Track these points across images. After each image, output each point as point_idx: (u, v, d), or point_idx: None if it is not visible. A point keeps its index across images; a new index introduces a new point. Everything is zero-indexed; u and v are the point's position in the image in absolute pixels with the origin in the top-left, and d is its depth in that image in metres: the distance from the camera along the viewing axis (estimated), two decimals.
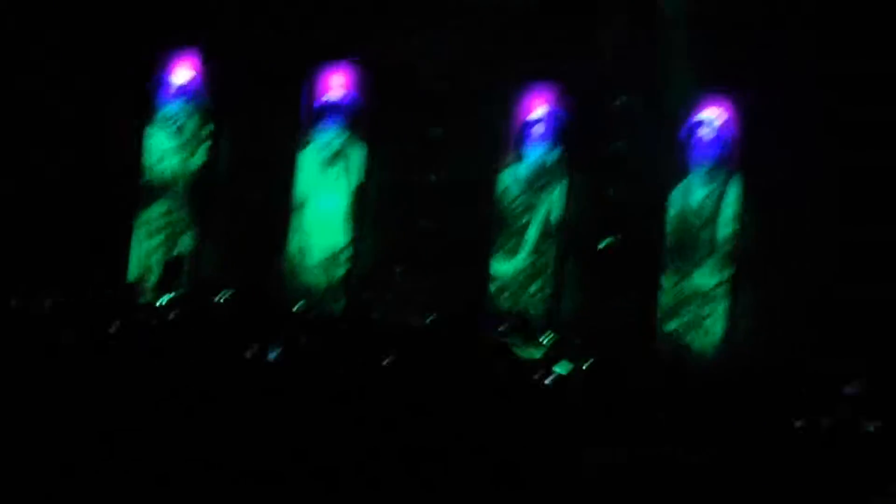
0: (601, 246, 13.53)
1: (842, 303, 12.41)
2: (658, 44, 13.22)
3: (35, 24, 13.54)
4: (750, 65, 12.94)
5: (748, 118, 13.36)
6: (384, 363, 9.20)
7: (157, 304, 11.88)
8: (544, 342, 12.34)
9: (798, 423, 9.10)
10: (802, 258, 12.76)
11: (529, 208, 13.81)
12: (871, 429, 9.21)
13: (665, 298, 13.36)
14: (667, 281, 13.40)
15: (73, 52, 13.55)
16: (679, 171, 13.54)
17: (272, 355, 8.76)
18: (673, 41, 13.21)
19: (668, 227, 13.46)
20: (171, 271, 13.04)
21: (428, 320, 12.28)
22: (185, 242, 13.96)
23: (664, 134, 13.52)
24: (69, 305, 10.14)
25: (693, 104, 13.54)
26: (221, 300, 12.51)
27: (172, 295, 12.52)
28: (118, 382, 7.85)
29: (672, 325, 13.32)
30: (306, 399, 8.00)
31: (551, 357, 11.53)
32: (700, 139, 13.55)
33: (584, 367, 11.05)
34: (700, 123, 13.55)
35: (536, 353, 11.88)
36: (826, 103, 12.54)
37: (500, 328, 12.37)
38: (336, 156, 14.04)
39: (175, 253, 13.51)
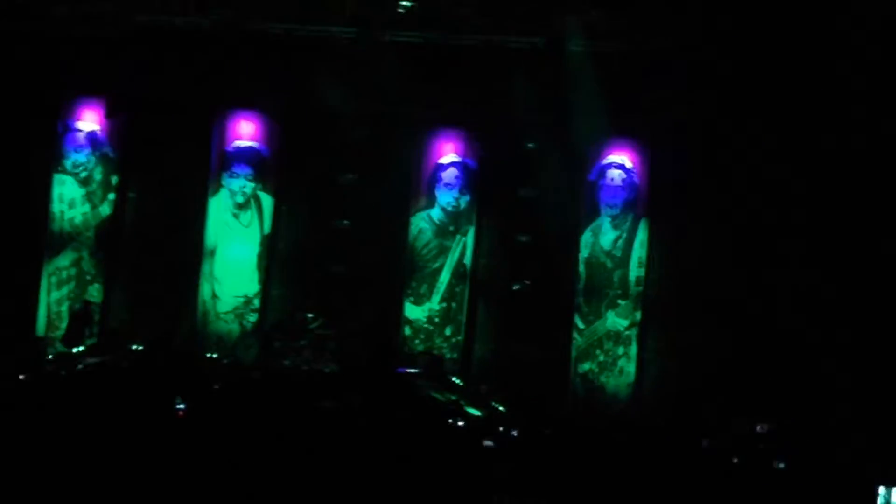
0: (514, 289, 13.62)
1: (747, 345, 12.62)
2: (566, 92, 13.38)
3: None
4: (655, 114, 13.19)
5: (653, 165, 13.57)
6: (294, 410, 9.16)
7: (66, 353, 11.77)
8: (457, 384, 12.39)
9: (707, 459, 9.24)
10: (706, 301, 12.96)
11: (442, 253, 13.86)
12: (781, 466, 9.38)
13: (579, 339, 13.46)
14: (580, 322, 13.51)
15: None
16: (589, 214, 13.69)
17: (181, 405, 8.67)
18: (581, 90, 13.39)
19: (581, 269, 13.58)
20: (80, 321, 12.86)
21: (338, 367, 12.31)
22: (94, 292, 13.78)
23: (573, 178, 13.67)
24: None
25: (601, 149, 13.71)
26: (132, 350, 12.41)
27: (82, 346, 12.41)
28: (28, 433, 7.75)
29: (586, 366, 13.42)
30: (218, 445, 7.94)
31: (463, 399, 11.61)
32: (608, 183, 13.72)
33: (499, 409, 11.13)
34: (608, 167, 13.72)
35: (451, 397, 11.92)
36: (723, 158, 12.81)
37: (415, 372, 12.38)
38: (246, 203, 13.99)
39: (82, 302, 13.30)
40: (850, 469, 8.98)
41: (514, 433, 10.11)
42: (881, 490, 8.56)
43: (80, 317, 13.06)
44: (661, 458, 8.66)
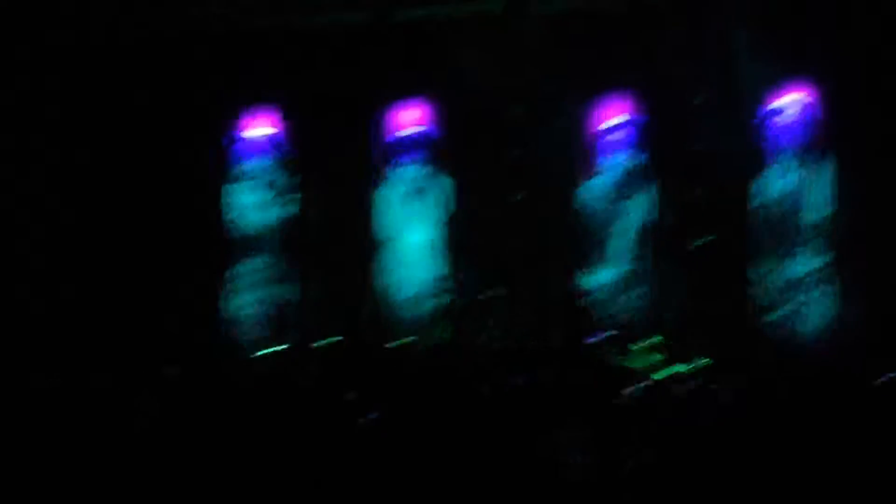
0: (694, 247, 13.44)
1: None
2: (729, 37, 13.13)
3: (118, 83, 13.81)
4: (828, 46, 12.81)
5: (830, 101, 13.19)
6: (497, 390, 9.24)
7: (263, 358, 12.07)
8: (648, 350, 12.27)
9: None
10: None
11: (617, 216, 13.75)
12: None
13: (767, 288, 13.21)
14: (766, 271, 13.25)
15: (156, 110, 13.81)
16: (763, 160, 13.40)
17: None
18: (744, 33, 13.11)
19: (759, 218, 13.31)
20: (272, 327, 13.15)
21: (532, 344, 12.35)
22: (281, 295, 14.12)
23: (745, 125, 13.40)
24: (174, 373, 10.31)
25: (772, 90, 13.40)
26: (328, 349, 12.66)
27: (279, 349, 12.72)
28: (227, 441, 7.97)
29: (773, 316, 13.16)
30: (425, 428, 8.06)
31: (658, 365, 11.49)
32: (782, 124, 13.40)
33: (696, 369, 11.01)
34: (781, 109, 13.40)
35: (642, 363, 11.82)
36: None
37: (605, 342, 12.33)
38: (420, 188, 14.13)
39: (273, 308, 13.63)
40: None
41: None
42: None
43: (272, 323, 13.26)
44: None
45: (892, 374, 9.73)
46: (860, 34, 12.70)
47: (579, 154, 13.81)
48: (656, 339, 12.58)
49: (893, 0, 12.40)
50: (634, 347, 12.41)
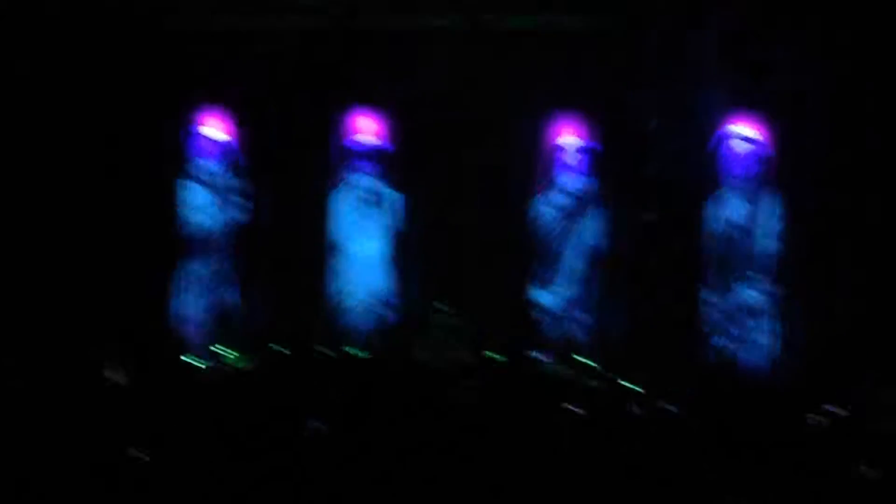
0: (641, 266, 13.57)
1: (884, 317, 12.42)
2: (686, 66, 13.29)
3: (72, 74, 13.69)
4: (778, 83, 13.02)
5: (780, 134, 13.38)
6: (433, 406, 9.25)
7: (208, 360, 11.99)
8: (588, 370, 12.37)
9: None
10: (841, 271, 12.76)
11: (567, 235, 13.84)
12: None
13: (710, 315, 13.36)
14: (711, 297, 13.41)
15: (108, 102, 13.70)
16: (713, 185, 13.57)
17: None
18: (702, 63, 13.28)
19: (709, 243, 13.47)
20: (216, 326, 13.08)
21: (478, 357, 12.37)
22: (229, 296, 14.06)
23: (694, 152, 13.55)
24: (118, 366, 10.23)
25: (724, 119, 13.57)
26: (271, 353, 12.61)
27: (224, 351, 12.63)
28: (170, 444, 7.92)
29: (719, 342, 13.31)
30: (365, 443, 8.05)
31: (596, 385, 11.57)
32: (732, 152, 13.56)
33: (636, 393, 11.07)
34: (731, 136, 13.57)
35: (589, 382, 11.90)
36: (849, 124, 12.58)
37: (549, 359, 12.41)
38: (371, 199, 14.13)
39: (218, 307, 13.55)
40: None
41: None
42: None
43: (216, 322, 13.24)
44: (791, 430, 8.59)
45: (821, 415, 9.87)
46: (813, 68, 12.91)
47: (533, 171, 13.90)
48: (593, 363, 12.68)
49: (849, 36, 12.59)
50: (575, 366, 12.50)
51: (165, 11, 13.90)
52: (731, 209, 13.48)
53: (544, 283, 13.70)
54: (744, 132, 13.49)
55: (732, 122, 13.54)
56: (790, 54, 12.82)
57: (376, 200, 14.15)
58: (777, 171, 13.40)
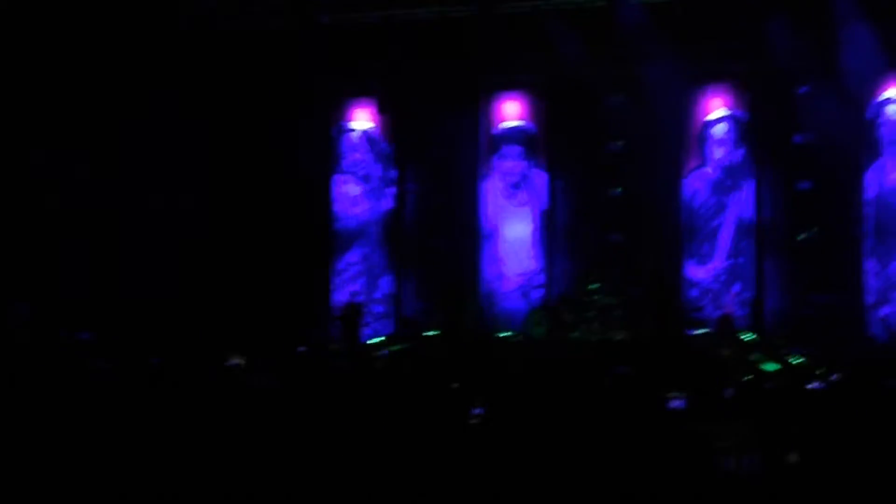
0: (799, 239, 13.28)
1: None
2: (835, 30, 12.95)
3: (223, 80, 13.97)
4: None
5: None
6: (594, 379, 9.18)
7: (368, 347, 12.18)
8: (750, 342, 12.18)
9: None
10: None
11: (720, 209, 13.65)
12: None
13: (874, 283, 13.02)
14: (872, 266, 13.06)
15: (259, 102, 13.94)
16: (870, 154, 13.21)
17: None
18: (850, 24, 12.91)
19: (868, 211, 13.12)
20: (349, 320, 13.20)
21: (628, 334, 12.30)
22: (384, 284, 14.26)
23: (850, 119, 13.19)
24: (275, 355, 10.42)
25: (877, 86, 13.19)
26: (428, 338, 12.75)
27: (383, 338, 12.84)
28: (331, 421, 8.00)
29: (884, 311, 12.97)
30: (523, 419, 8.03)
31: (761, 360, 11.37)
32: (888, 119, 13.19)
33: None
34: (886, 103, 13.19)
35: (754, 360, 11.72)
36: None
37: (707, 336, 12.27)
38: (519, 182, 14.15)
39: (348, 303, 13.63)
40: None
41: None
42: None
43: (348, 316, 13.33)
44: None
45: None
46: None
47: (681, 146, 13.73)
48: (754, 336, 12.49)
49: None
50: (736, 343, 12.33)
51: (312, 5, 14.09)
52: (889, 175, 13.11)
53: (700, 258, 13.53)
54: None
55: (886, 87, 13.17)
56: None
57: (524, 183, 14.17)
58: None
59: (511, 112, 14.25)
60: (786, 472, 6.89)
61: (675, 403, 8.01)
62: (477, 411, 8.15)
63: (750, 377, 10.39)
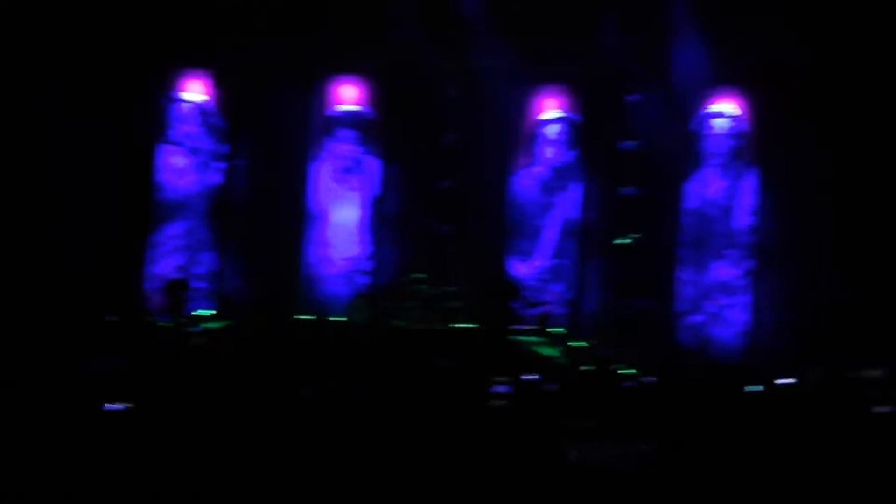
0: (616, 243, 13.58)
1: (853, 295, 12.47)
2: (667, 40, 13.31)
3: (52, 41, 13.52)
4: (761, 60, 13.04)
5: (760, 112, 13.42)
6: (410, 370, 9.22)
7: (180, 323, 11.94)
8: (567, 342, 12.41)
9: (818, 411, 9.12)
10: (817, 250, 12.79)
11: (546, 209, 13.86)
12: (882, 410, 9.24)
13: (686, 292, 13.41)
14: (687, 274, 13.46)
15: (87, 69, 13.54)
16: (694, 164, 13.60)
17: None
18: (683, 38, 13.28)
19: (686, 221, 13.51)
20: (177, 291, 12.97)
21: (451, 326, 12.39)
22: (206, 260, 14.02)
23: (677, 128, 13.56)
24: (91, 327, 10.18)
25: (705, 97, 13.60)
26: (244, 316, 12.60)
27: (197, 314, 12.60)
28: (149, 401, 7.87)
29: (694, 319, 13.38)
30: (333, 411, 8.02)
31: (575, 357, 11.60)
32: (713, 132, 13.61)
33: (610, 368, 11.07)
34: (713, 116, 13.61)
35: (556, 352, 11.94)
36: (830, 101, 12.60)
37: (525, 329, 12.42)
38: (352, 167, 14.11)
39: (178, 273, 13.39)
40: None
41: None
42: None
43: (177, 287, 13.12)
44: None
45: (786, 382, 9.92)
46: (793, 51, 12.93)
47: (514, 144, 13.90)
48: (569, 334, 12.74)
49: (828, 19, 12.58)
50: (552, 337, 12.54)
51: None
52: (709, 186, 13.53)
53: (523, 255, 13.72)
54: (724, 110, 13.54)
55: (713, 101, 13.59)
56: (768, 31, 12.85)
57: (356, 168, 14.13)
58: (755, 148, 13.46)
59: (348, 96, 14.18)
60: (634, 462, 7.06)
61: (500, 389, 8.11)
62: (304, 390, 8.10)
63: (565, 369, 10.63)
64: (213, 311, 13.06)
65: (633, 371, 10.34)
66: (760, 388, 9.24)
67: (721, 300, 13.33)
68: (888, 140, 12.53)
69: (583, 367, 10.99)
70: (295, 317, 12.77)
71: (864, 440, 7.93)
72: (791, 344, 12.60)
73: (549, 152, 13.90)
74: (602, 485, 7.09)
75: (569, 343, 12.30)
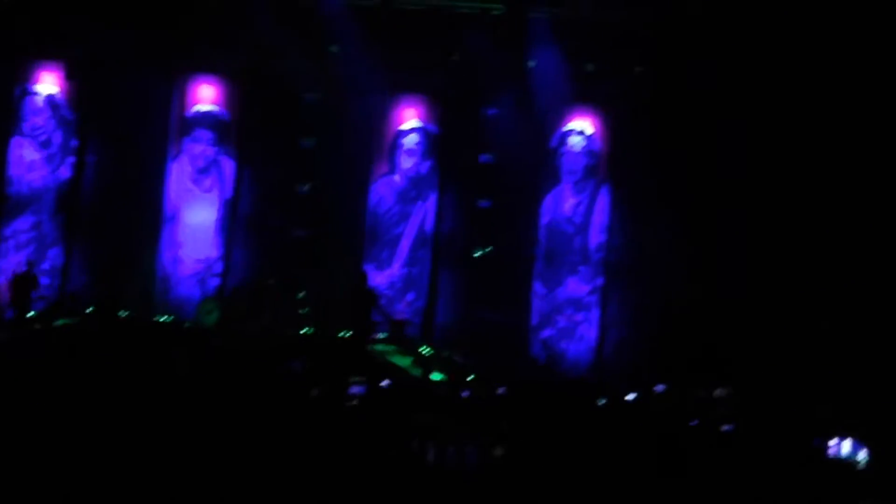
0: (475, 255, 13.68)
1: (703, 309, 12.78)
2: (526, 57, 13.52)
3: None
4: (615, 82, 13.35)
5: (614, 131, 13.69)
6: (258, 375, 9.15)
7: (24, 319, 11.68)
8: (421, 351, 12.45)
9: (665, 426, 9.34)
10: (667, 267, 13.07)
11: (403, 218, 13.88)
12: (728, 428, 9.52)
13: (539, 306, 13.58)
14: (541, 287, 13.62)
15: None
16: (550, 181, 13.79)
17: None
18: (541, 56, 13.51)
19: (541, 236, 13.69)
20: (24, 285, 12.63)
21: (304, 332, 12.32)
22: (53, 255, 13.66)
23: (534, 144, 13.74)
24: None
25: (562, 116, 13.81)
26: (87, 314, 12.32)
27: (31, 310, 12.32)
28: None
29: (545, 333, 13.54)
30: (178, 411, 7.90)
31: (424, 366, 11.65)
32: (569, 149, 13.82)
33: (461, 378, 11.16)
34: (569, 133, 13.83)
35: (407, 361, 11.99)
36: (681, 124, 12.93)
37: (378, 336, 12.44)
38: (207, 167, 13.91)
39: (26, 266, 13.01)
40: (795, 428, 9.14)
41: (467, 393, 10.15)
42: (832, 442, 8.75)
43: (25, 280, 12.79)
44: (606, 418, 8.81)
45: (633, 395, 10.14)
46: (626, 69, 13.26)
47: (372, 152, 13.88)
48: (423, 345, 12.79)
49: (687, 37, 12.90)
50: (406, 345, 12.58)
51: None
52: (564, 202, 13.73)
53: (379, 264, 13.70)
54: (580, 128, 13.78)
55: (570, 118, 13.82)
56: (622, 55, 13.20)
57: (211, 168, 13.89)
58: (608, 166, 13.73)
59: (205, 96, 13.99)
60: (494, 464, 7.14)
61: (356, 389, 8.09)
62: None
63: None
64: (54, 307, 12.78)
65: (484, 383, 10.46)
66: (604, 401, 9.44)
67: (572, 315, 13.54)
68: (733, 156, 12.87)
69: (434, 375, 11.08)
70: (147, 318, 12.59)
71: (704, 453, 8.17)
72: (638, 359, 12.87)
73: (407, 162, 13.95)
74: (437, 481, 7.20)
75: (421, 351, 12.36)
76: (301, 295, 12.89)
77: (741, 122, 12.73)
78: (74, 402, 7.66)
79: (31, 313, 12.60)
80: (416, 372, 11.54)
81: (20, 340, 11.09)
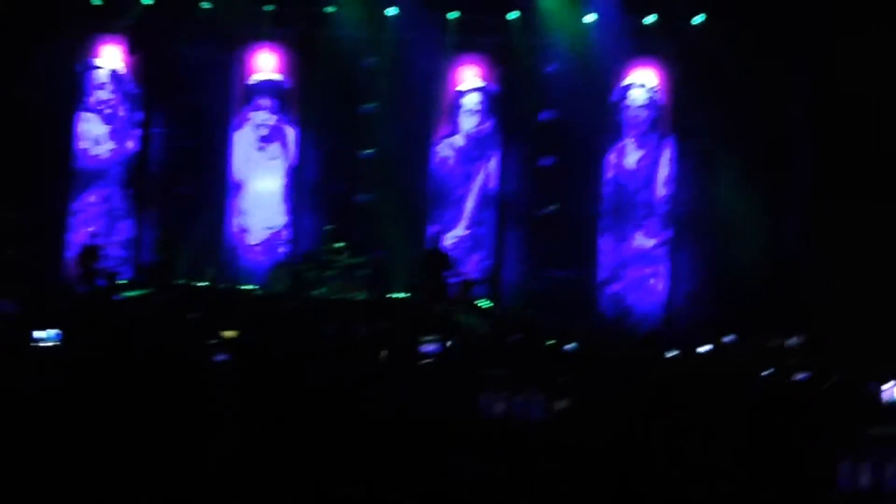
0: (541, 213, 13.67)
1: (771, 259, 12.71)
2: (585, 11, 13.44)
3: None
4: (677, 32, 13.23)
5: (677, 83, 13.58)
6: (335, 338, 9.20)
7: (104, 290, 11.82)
8: (486, 308, 12.51)
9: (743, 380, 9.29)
10: (734, 218, 12.99)
11: (466, 179, 13.90)
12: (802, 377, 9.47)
13: (606, 261, 13.56)
14: (606, 244, 13.60)
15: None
16: (613, 135, 13.73)
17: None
18: (601, 9, 13.41)
19: (606, 191, 13.65)
20: (90, 258, 12.79)
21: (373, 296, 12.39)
22: (124, 228, 13.85)
23: (596, 100, 13.65)
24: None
25: (623, 68, 13.72)
26: (165, 286, 12.48)
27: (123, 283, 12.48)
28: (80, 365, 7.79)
29: (614, 287, 13.53)
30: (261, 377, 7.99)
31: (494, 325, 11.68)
32: (631, 103, 13.74)
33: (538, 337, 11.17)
34: (630, 87, 13.74)
35: (480, 319, 12.02)
36: (745, 74, 12.81)
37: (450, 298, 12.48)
38: (270, 136, 14.01)
39: (90, 240, 13.19)
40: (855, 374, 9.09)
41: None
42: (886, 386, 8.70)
43: (85, 258, 12.93)
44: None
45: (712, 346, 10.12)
46: (713, 24, 13.12)
47: (433, 114, 13.89)
48: (491, 303, 12.83)
49: None
50: (476, 305, 12.62)
51: None
52: (628, 157, 13.67)
53: (443, 225, 13.73)
54: (641, 81, 13.69)
55: (631, 72, 13.73)
56: (683, 4, 13.07)
57: (275, 137, 13.99)
58: (672, 119, 13.62)
59: (266, 64, 14.06)
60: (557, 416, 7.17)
61: (429, 348, 8.14)
62: (220, 358, 8.04)
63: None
64: (130, 279, 12.96)
65: (552, 341, 10.46)
66: (678, 353, 9.43)
67: (640, 269, 13.50)
68: (798, 108, 12.73)
69: (506, 334, 11.10)
70: (233, 287, 12.76)
71: (782, 406, 8.12)
72: (709, 311, 12.82)
73: (468, 122, 13.94)
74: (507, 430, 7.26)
75: (490, 310, 12.39)
76: (367, 258, 12.96)
77: (808, 72, 12.60)
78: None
79: (103, 286, 12.74)
80: (486, 329, 11.56)
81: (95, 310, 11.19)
